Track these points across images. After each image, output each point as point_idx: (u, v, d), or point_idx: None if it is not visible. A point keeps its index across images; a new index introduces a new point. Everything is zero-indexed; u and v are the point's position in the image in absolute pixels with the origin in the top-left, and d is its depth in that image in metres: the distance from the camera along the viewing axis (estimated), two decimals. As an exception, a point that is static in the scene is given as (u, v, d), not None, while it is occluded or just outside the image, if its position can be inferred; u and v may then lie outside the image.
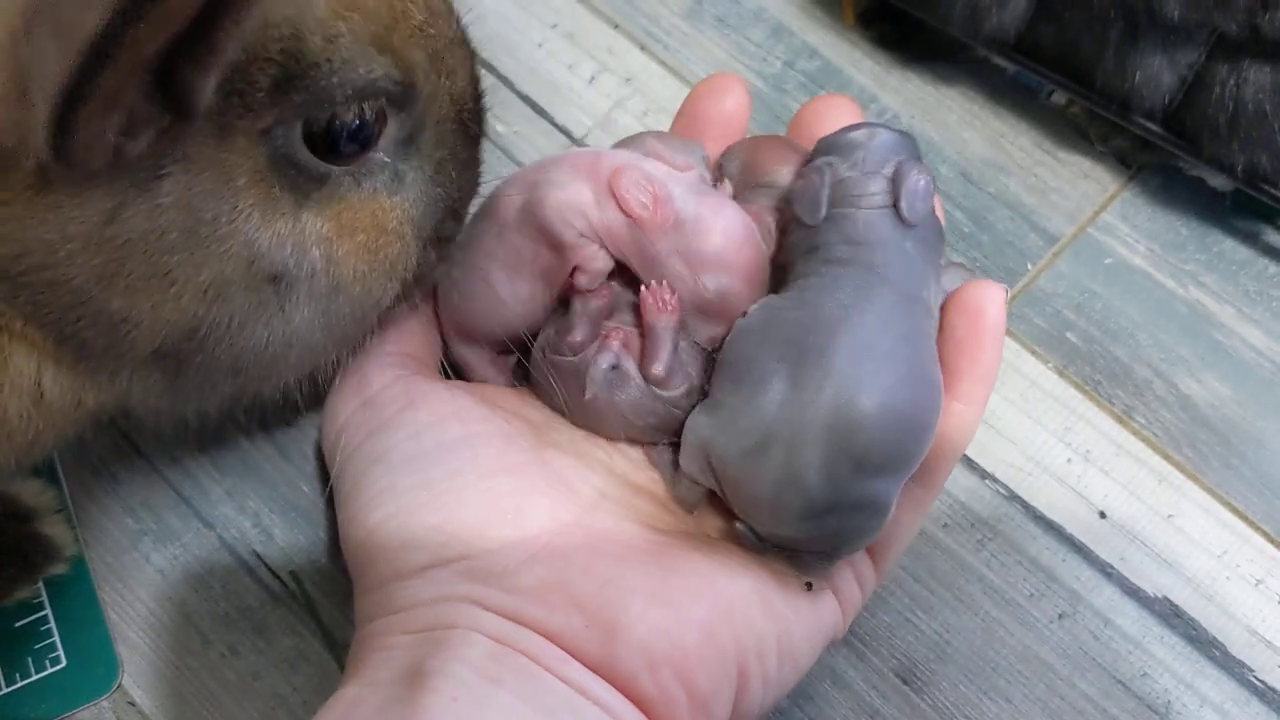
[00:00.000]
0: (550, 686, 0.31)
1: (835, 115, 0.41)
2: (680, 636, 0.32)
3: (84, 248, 0.28)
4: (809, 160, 0.37)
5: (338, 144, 0.31)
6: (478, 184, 0.37)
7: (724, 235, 0.36)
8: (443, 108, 0.34)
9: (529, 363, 0.39)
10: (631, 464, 0.38)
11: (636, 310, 0.37)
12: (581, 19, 0.55)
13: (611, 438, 0.38)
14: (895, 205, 0.35)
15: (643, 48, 0.54)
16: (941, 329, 0.37)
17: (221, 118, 0.28)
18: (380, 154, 0.32)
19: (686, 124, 0.42)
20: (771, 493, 0.33)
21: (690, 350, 0.37)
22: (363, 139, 0.32)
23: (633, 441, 0.38)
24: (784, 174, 0.39)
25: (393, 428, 0.36)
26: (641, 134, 0.41)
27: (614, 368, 0.37)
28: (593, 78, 0.53)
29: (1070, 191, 0.51)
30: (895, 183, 0.35)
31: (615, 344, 0.37)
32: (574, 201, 0.37)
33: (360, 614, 0.36)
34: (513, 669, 0.31)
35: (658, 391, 0.37)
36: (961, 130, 0.53)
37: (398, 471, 0.35)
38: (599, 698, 0.32)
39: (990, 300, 0.36)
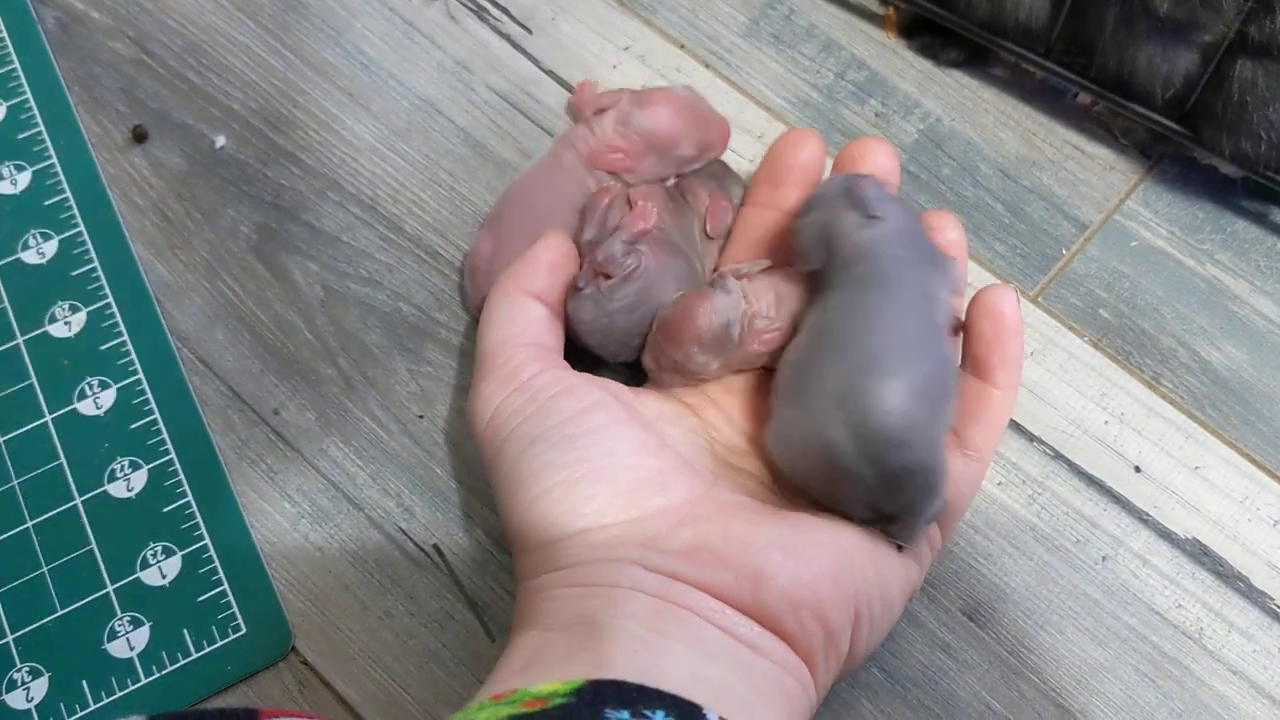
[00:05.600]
0: (709, 634, 0.37)
1: (873, 156, 0.47)
2: (814, 583, 0.38)
3: None
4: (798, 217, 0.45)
5: None
6: None
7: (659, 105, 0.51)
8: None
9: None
10: (731, 452, 0.45)
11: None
12: (651, 41, 0.61)
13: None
14: (864, 215, 0.42)
15: (707, 65, 0.60)
16: (969, 332, 0.44)
17: None
18: None
19: (769, 173, 0.48)
20: (835, 477, 0.40)
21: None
22: None
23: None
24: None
25: (546, 413, 0.41)
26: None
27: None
28: (664, 95, 0.59)
29: (1097, 182, 0.57)
30: (852, 196, 0.43)
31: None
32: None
33: (522, 570, 0.41)
34: (675, 620, 0.37)
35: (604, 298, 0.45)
36: (998, 130, 0.58)
37: (556, 450, 0.40)
38: (748, 639, 0.37)
39: (1006, 302, 0.43)
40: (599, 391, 0.43)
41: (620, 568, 0.38)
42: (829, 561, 0.39)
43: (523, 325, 0.45)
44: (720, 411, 0.46)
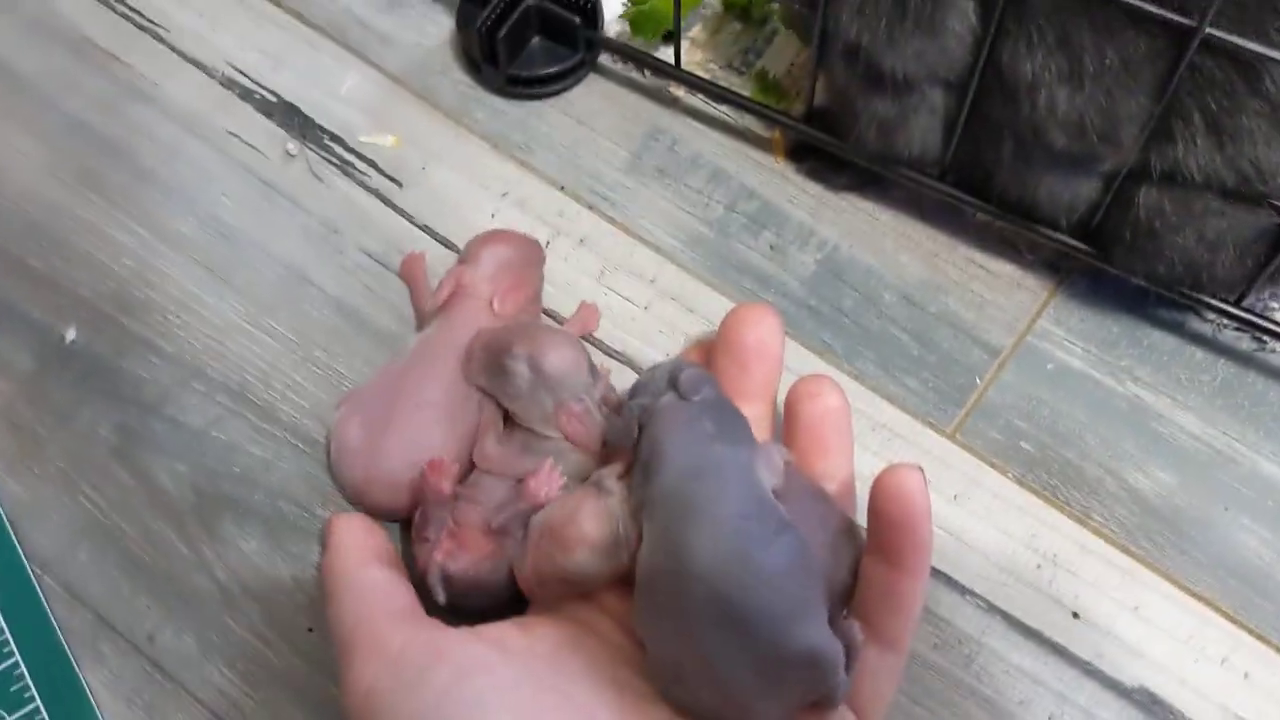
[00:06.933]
0: None
1: (756, 322, 0.46)
2: None
3: None
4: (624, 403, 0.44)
5: None
6: None
7: None
8: None
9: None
10: (636, 673, 0.40)
11: None
12: (529, 185, 0.57)
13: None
14: (681, 396, 0.41)
15: (591, 207, 0.57)
16: (876, 514, 0.40)
17: None
18: None
19: (724, 350, 0.47)
20: (734, 695, 0.37)
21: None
22: None
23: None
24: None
25: (420, 688, 0.37)
26: None
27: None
28: (548, 242, 0.55)
29: (1006, 303, 0.55)
30: (673, 381, 0.42)
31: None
32: None
33: None
34: None
35: None
36: (898, 254, 0.56)
37: None
38: None
39: (911, 481, 0.39)
40: (475, 647, 0.39)
41: None
42: None
43: (371, 595, 0.42)
44: (617, 625, 0.42)
